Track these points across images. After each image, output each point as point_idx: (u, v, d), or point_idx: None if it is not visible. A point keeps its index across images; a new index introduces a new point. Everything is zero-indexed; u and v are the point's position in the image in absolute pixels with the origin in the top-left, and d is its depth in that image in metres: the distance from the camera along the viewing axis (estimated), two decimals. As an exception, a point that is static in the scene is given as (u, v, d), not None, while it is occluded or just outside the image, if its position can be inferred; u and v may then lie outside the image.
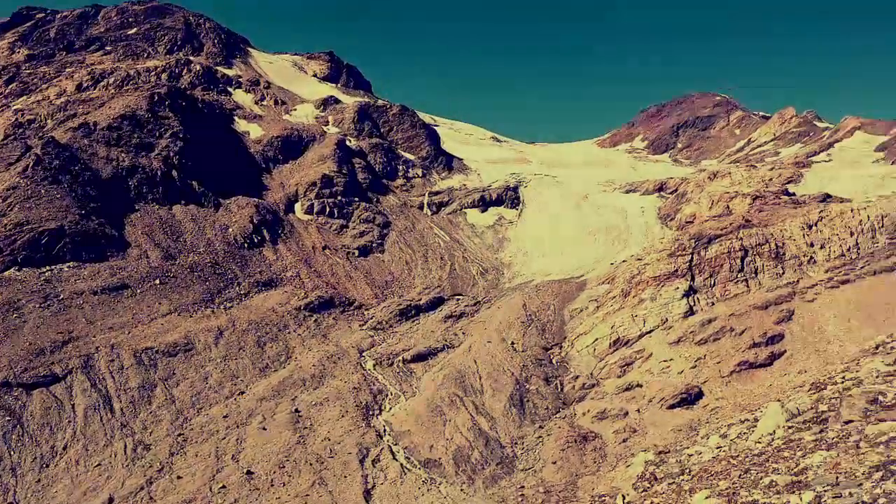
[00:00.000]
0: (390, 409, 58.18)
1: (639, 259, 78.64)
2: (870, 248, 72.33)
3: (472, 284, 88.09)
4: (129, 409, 52.28)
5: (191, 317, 65.15)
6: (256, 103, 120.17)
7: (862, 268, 69.17)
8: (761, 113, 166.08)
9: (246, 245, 79.27)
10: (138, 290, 65.93)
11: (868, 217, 75.27)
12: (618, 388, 61.06)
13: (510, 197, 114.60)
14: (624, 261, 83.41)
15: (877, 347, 11.12)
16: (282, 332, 67.42)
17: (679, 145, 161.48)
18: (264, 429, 52.77)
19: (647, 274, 73.33)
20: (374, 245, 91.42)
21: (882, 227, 74.31)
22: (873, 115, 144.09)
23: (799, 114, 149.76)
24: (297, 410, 55.59)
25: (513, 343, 68.50)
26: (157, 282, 67.93)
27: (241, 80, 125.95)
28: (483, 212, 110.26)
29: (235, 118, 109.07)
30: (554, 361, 67.30)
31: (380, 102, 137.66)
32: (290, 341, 66.52)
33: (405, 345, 69.21)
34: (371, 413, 56.68)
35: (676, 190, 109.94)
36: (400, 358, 66.35)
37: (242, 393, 57.49)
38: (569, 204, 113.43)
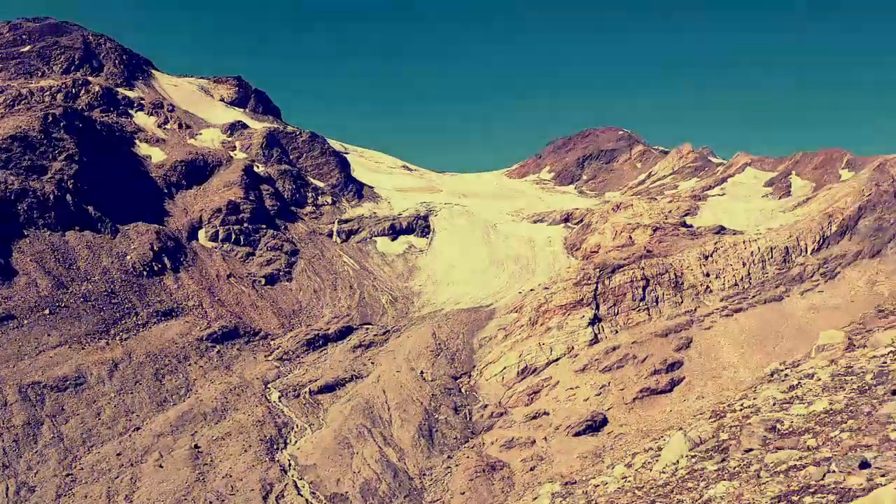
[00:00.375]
0: (296, 442, 56.57)
1: (546, 288, 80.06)
2: (760, 277, 76.14)
3: (382, 313, 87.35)
4: (12, 449, 48.74)
5: (83, 349, 61.65)
6: (159, 126, 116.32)
7: (753, 297, 72.70)
8: (661, 148, 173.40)
9: (145, 273, 75.97)
10: (25, 321, 61.96)
11: (758, 248, 79.36)
12: (526, 417, 61.53)
13: (420, 226, 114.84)
14: (532, 290, 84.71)
15: (772, 375, 11.50)
16: (182, 363, 64.72)
17: (584, 177, 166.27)
18: (161, 466, 50.23)
19: (554, 303, 74.67)
20: (281, 273, 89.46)
21: (771, 258, 78.47)
22: (763, 152, 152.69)
23: (695, 149, 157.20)
24: (196, 446, 53.24)
25: (422, 372, 68.12)
26: (47, 312, 64.09)
27: (143, 102, 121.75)
28: (393, 240, 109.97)
29: (136, 141, 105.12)
30: (463, 390, 67.28)
31: (289, 129, 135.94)
32: (190, 373, 63.89)
33: (312, 375, 67.71)
34: (276, 447, 54.92)
35: (582, 220, 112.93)
36: (307, 389, 64.79)
37: (138, 429, 54.65)
38: (478, 233, 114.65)
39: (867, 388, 7.76)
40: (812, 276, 75.42)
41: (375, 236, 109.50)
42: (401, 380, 65.92)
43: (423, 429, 59.15)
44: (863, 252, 78.36)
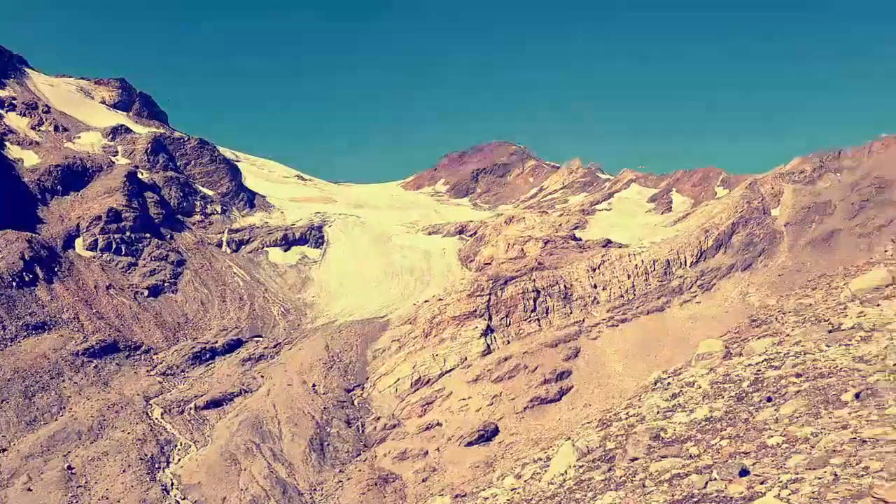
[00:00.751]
0: (179, 460, 54.09)
1: (440, 299, 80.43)
2: (644, 289, 79.34)
3: (273, 325, 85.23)
4: None
5: (-59, 365, 56.82)
6: (33, 128, 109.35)
7: (637, 308, 75.69)
8: (552, 163, 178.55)
9: (14, 284, 70.86)
10: None
11: (642, 261, 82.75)
12: (419, 428, 61.40)
13: (314, 236, 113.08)
14: (426, 301, 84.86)
15: (655, 383, 11.83)
16: (55, 380, 60.69)
17: (479, 190, 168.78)
18: (30, 490, 46.82)
19: (448, 314, 75.10)
20: (166, 284, 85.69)
21: (654, 270, 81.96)
22: (647, 168, 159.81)
23: (584, 165, 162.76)
24: (69, 467, 49.97)
25: (314, 385, 66.79)
26: None
27: (15, 102, 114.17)
28: (286, 251, 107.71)
29: (7, 143, 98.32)
30: (356, 403, 66.43)
31: (177, 134, 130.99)
32: (64, 390, 59.99)
33: (198, 390, 65.08)
34: (157, 466, 52.31)
35: (476, 233, 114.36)
36: (192, 405, 62.20)
37: (4, 450, 50.76)
38: (373, 244, 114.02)
39: (744, 395, 7.99)
40: (691, 288, 79.31)
41: (267, 247, 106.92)
42: (292, 393, 64.39)
43: (315, 443, 57.93)
44: (736, 265, 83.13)
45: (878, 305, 11.45)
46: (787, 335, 11.46)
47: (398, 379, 68.87)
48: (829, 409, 6.65)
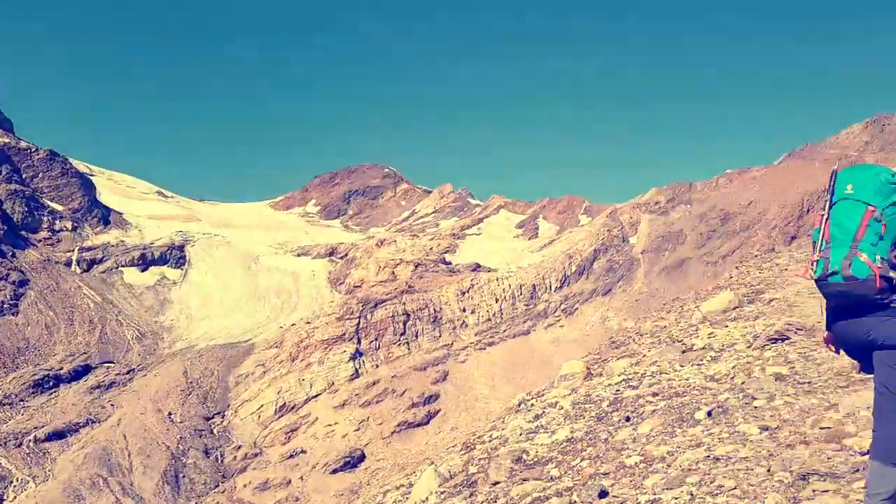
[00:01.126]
0: (14, 497, 49.39)
1: (308, 322, 78.68)
2: (511, 313, 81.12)
3: (127, 350, 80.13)
4: None
5: None
6: None
7: (504, 331, 77.24)
8: (424, 187, 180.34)
9: None
10: None
11: (510, 286, 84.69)
12: (282, 456, 59.37)
13: (175, 256, 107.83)
14: (293, 324, 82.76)
15: (519, 405, 11.86)
16: None
17: (350, 212, 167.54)
18: None
19: (316, 337, 73.52)
20: (5, 306, 78.75)
21: (520, 294, 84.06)
22: (515, 196, 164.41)
23: (455, 190, 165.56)
24: None
25: (170, 414, 63.20)
26: None
27: None
28: (143, 271, 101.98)
29: None
30: (215, 431, 63.42)
31: (23, 144, 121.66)
32: None
33: (38, 421, 59.91)
34: (-13, 505, 47.55)
35: (346, 255, 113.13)
36: (31, 437, 57.12)
37: None
38: (238, 265, 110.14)
39: (604, 415, 8.00)
40: (555, 312, 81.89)
41: (123, 266, 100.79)
42: (145, 422, 60.62)
43: (169, 475, 54.66)
44: (597, 290, 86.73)
45: (726, 326, 11.98)
46: (644, 356, 11.75)
47: (262, 405, 66.47)
48: (683, 428, 6.73)
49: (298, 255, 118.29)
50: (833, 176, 3.99)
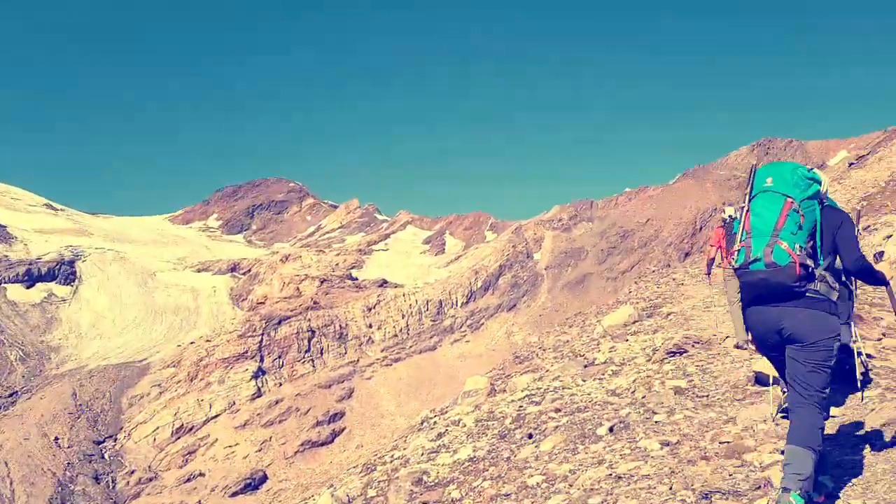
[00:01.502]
0: None
1: (208, 340, 75.96)
2: (417, 328, 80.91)
3: (9, 372, 74.98)
4: None
5: None
6: None
7: (411, 347, 76.89)
8: (330, 202, 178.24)
9: None
10: None
11: (416, 301, 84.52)
12: (179, 480, 56.83)
13: (64, 272, 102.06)
14: (192, 342, 79.66)
15: (422, 423, 11.59)
16: None
17: (254, 227, 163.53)
18: None
19: (217, 356, 71.03)
20: None
21: (427, 310, 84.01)
22: (422, 211, 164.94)
23: (362, 206, 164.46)
24: None
25: (57, 438, 59.41)
26: None
27: None
28: (29, 287, 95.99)
29: None
30: (107, 456, 60.05)
31: None
32: None
33: None
34: None
35: (249, 270, 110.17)
36: None
37: None
38: (134, 281, 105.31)
39: (507, 432, 7.83)
40: (461, 328, 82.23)
41: (6, 283, 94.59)
42: (29, 448, 56.76)
43: (55, 503, 51.30)
44: (502, 305, 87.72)
45: (627, 340, 12.10)
46: (547, 371, 11.72)
47: (157, 427, 63.49)
48: (585, 445, 6.61)
49: (198, 271, 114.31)
50: (752, 171, 4.14)
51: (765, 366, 7.05)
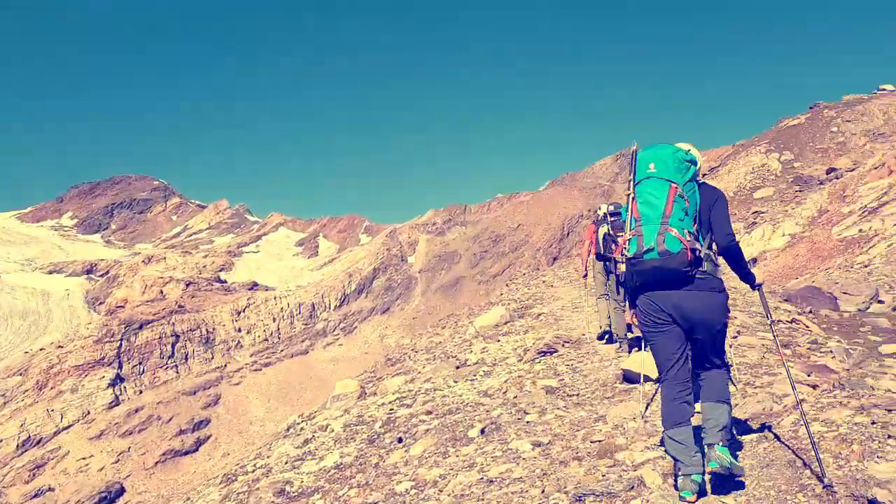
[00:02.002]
0: None
1: (60, 347, 70.79)
2: (289, 332, 78.98)
3: None
4: None
5: None
6: None
7: (282, 351, 74.91)
8: (197, 202, 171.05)
9: None
10: None
11: (288, 305, 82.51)
12: (25, 496, 52.49)
13: None
14: (42, 349, 73.95)
15: (288, 429, 11.05)
16: None
17: (113, 226, 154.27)
18: None
19: (69, 363, 66.31)
20: None
21: (299, 313, 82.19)
22: (296, 213, 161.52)
23: (232, 206, 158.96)
24: None
25: None
26: None
27: None
28: None
29: None
30: (-61, 475, 54.66)
31: None
32: None
33: None
34: None
35: (108, 272, 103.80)
36: None
37: None
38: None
39: (376, 436, 7.50)
40: (334, 331, 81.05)
41: None
42: None
43: None
44: (376, 308, 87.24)
45: (498, 341, 12.08)
46: (419, 372, 11.51)
47: (1, 441, 58.46)
48: (456, 448, 6.40)
49: (50, 273, 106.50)
50: (633, 155, 4.06)
51: (633, 363, 7.11)
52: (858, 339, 9.26)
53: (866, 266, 18.40)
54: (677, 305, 3.88)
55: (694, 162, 4.05)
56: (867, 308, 11.94)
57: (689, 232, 3.84)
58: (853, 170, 35.88)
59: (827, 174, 37.74)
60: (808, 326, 10.03)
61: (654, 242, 3.81)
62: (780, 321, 9.95)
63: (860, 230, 25.39)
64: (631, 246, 3.91)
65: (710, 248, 3.99)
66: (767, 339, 8.46)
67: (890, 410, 4.31)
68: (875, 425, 4.08)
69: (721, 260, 4.11)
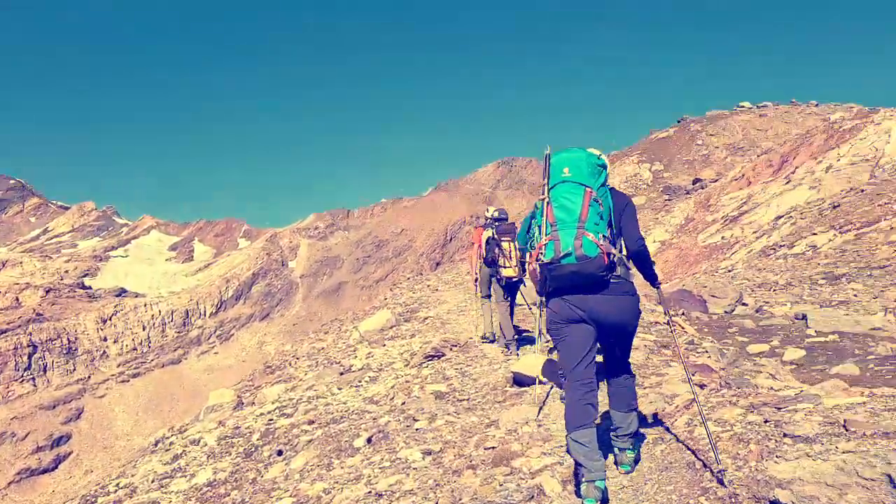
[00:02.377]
0: None
1: None
2: (160, 341, 75.28)
3: None
4: None
5: None
6: None
7: (152, 360, 71.21)
8: (60, 203, 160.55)
9: None
10: None
11: (160, 312, 78.64)
12: None
13: None
14: None
15: (156, 444, 10.25)
16: None
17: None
18: None
19: None
20: None
21: (171, 320, 78.50)
22: (170, 216, 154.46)
23: (99, 208, 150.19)
24: None
25: None
26: None
27: None
28: None
29: None
30: None
31: None
32: None
33: None
34: None
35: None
36: None
37: None
38: None
39: (254, 449, 7.02)
40: (209, 339, 77.98)
41: None
42: None
43: None
44: (255, 315, 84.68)
45: (384, 346, 11.77)
46: (301, 380, 11.04)
47: None
48: (341, 459, 6.04)
49: None
50: (547, 159, 4.05)
51: (523, 366, 6.98)
52: (727, 339, 9.62)
53: (730, 271, 19.47)
54: (593, 310, 3.89)
55: (605, 167, 4.09)
56: (733, 310, 12.50)
57: (605, 236, 3.87)
58: (716, 181, 38.17)
59: (693, 184, 39.98)
60: (683, 327, 10.34)
61: (571, 247, 3.80)
62: (657, 323, 10.21)
63: (723, 237, 26.93)
64: (547, 251, 3.88)
65: (621, 250, 4.03)
66: (649, 340, 8.59)
67: (779, 408, 4.34)
68: (769, 424, 4.08)
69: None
